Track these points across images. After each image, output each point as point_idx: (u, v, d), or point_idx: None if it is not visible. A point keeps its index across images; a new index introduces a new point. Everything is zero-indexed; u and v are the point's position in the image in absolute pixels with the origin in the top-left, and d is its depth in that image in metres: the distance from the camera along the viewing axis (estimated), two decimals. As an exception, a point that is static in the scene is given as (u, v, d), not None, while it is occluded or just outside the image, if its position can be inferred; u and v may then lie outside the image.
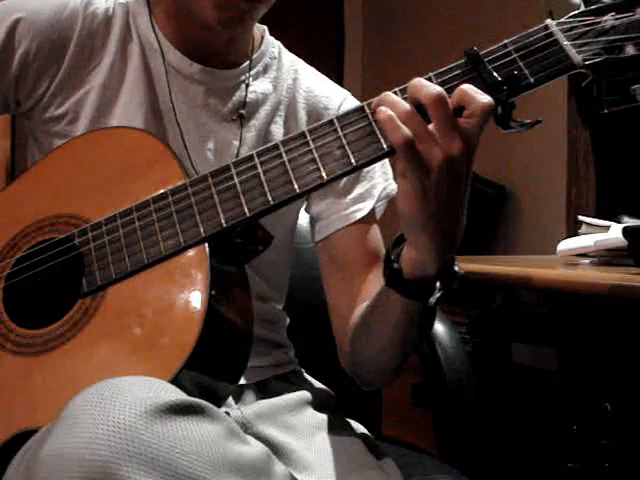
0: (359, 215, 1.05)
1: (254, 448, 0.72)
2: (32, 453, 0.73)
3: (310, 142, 0.81)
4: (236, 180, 0.83)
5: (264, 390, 1.04)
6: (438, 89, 0.76)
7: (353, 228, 1.06)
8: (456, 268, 0.86)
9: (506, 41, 0.81)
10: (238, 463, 0.68)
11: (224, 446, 0.68)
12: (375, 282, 1.00)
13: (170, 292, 0.82)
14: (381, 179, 1.08)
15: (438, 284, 0.85)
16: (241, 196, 0.82)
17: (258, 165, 0.83)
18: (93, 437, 0.65)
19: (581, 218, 1.62)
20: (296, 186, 0.81)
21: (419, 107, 0.77)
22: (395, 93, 0.80)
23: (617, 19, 0.79)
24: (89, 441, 0.65)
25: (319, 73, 1.13)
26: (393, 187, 1.08)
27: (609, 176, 2.03)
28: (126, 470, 0.64)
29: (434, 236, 0.81)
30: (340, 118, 0.81)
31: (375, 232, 1.07)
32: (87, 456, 0.64)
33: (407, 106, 0.77)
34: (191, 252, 0.83)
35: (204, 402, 0.70)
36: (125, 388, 0.69)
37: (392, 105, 0.78)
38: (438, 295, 0.86)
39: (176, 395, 0.69)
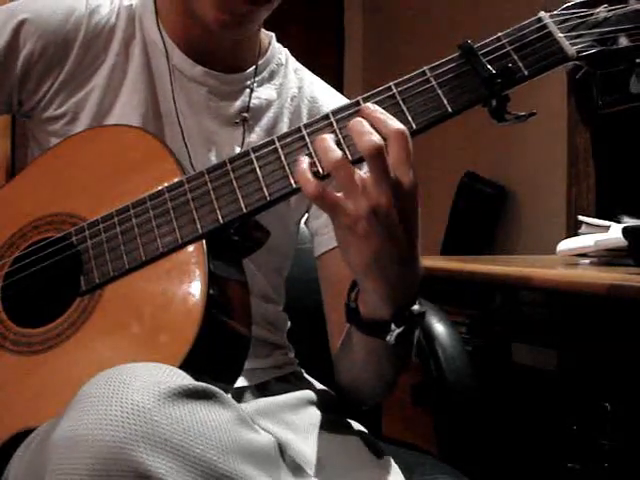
0: None
1: (263, 436, 0.73)
2: (40, 441, 0.74)
3: (306, 137, 0.82)
4: (232, 176, 0.83)
5: (264, 392, 1.03)
6: (377, 142, 0.76)
7: None
8: (416, 307, 0.85)
9: (500, 34, 0.82)
10: (248, 449, 0.69)
11: (235, 432, 0.69)
12: None
13: (168, 289, 0.82)
14: None
15: (393, 326, 0.85)
16: (238, 192, 0.83)
17: (254, 160, 0.83)
18: (106, 418, 0.65)
19: (581, 218, 1.62)
20: (292, 181, 0.81)
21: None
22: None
23: (610, 11, 0.80)
24: (102, 422, 0.65)
25: (324, 83, 1.14)
26: None
27: (609, 176, 2.03)
28: (139, 451, 0.64)
29: (379, 283, 0.81)
30: (335, 112, 0.82)
31: None
32: (100, 437, 0.65)
33: (337, 156, 0.77)
34: (189, 249, 0.83)
35: (215, 388, 0.71)
36: (138, 372, 0.69)
37: (324, 152, 0.78)
38: (395, 334, 0.85)
39: (188, 380, 0.70)
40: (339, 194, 0.77)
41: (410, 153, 0.77)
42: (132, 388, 0.67)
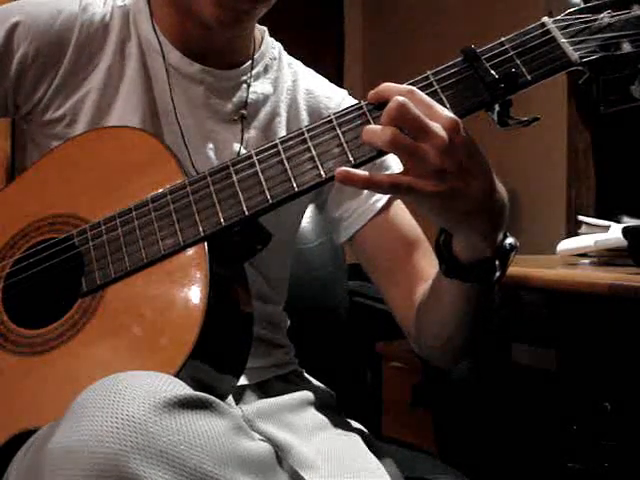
0: (379, 205, 1.05)
1: (261, 444, 0.73)
2: (37, 448, 0.73)
3: (308, 140, 0.81)
4: (234, 179, 0.83)
5: (264, 390, 1.03)
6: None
7: (379, 218, 1.05)
8: (510, 241, 0.86)
9: (503, 39, 0.81)
10: (245, 458, 0.69)
11: (231, 441, 0.68)
12: (422, 263, 1.02)
13: (169, 291, 0.82)
14: (395, 167, 1.07)
15: (497, 262, 0.85)
16: (240, 195, 0.83)
17: (256, 163, 0.83)
18: (102, 430, 0.65)
19: (581, 218, 1.62)
20: (294, 184, 0.81)
21: None
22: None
23: (613, 16, 0.79)
24: (98, 434, 0.65)
25: (317, 74, 1.14)
26: None
27: (609, 176, 2.03)
28: (134, 463, 0.64)
29: (478, 224, 0.81)
30: (338, 116, 0.82)
31: (403, 214, 1.07)
32: (95, 448, 0.64)
33: (401, 100, 0.76)
34: (190, 251, 0.83)
35: (212, 397, 0.71)
36: (133, 382, 0.69)
37: (389, 91, 0.78)
38: (499, 274, 0.86)
39: (184, 390, 0.70)
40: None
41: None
42: (127, 399, 0.67)
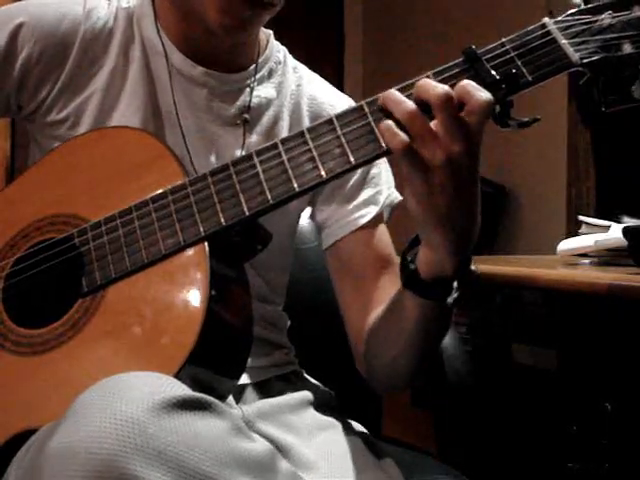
0: (363, 221, 1.06)
1: (260, 445, 0.73)
2: (37, 448, 0.73)
3: (309, 141, 0.82)
4: (235, 179, 0.83)
5: (265, 390, 1.04)
6: (446, 89, 0.76)
7: (359, 234, 1.06)
8: (472, 267, 0.86)
9: (504, 40, 0.81)
10: (244, 459, 0.69)
11: (230, 442, 0.69)
12: (389, 287, 1.01)
13: (170, 291, 0.82)
14: (385, 186, 1.08)
15: (455, 284, 0.85)
16: (240, 195, 0.83)
17: (257, 164, 0.83)
18: (101, 430, 0.65)
19: (581, 218, 1.62)
20: (295, 185, 0.81)
21: (423, 106, 0.77)
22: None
23: (614, 17, 0.79)
24: (97, 434, 0.65)
25: (322, 80, 1.13)
26: (396, 195, 1.09)
27: (609, 176, 2.04)
28: (133, 464, 0.64)
29: (448, 235, 0.81)
30: (339, 117, 0.82)
31: (384, 237, 1.07)
32: (94, 449, 0.64)
33: (411, 106, 0.77)
34: (191, 251, 0.83)
35: (211, 398, 0.71)
36: (133, 383, 0.69)
37: (395, 104, 0.78)
38: (455, 295, 0.86)
39: (183, 390, 0.70)
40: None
41: (484, 107, 0.77)
42: (126, 399, 0.67)
